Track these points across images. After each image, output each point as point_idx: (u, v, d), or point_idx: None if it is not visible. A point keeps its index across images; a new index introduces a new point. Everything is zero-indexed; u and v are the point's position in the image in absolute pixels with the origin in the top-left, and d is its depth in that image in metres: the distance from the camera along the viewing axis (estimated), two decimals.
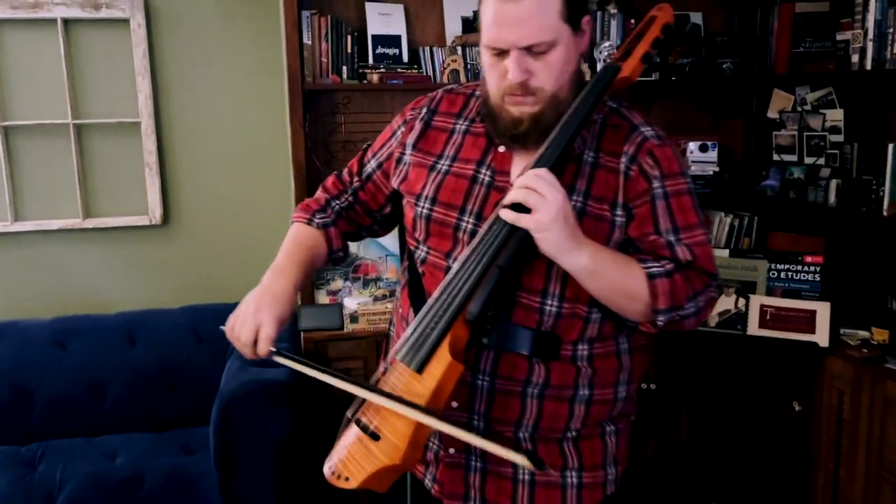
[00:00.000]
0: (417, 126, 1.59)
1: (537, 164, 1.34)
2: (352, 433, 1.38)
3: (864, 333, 2.86)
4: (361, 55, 3.13)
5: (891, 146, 2.67)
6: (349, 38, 3.06)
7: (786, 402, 2.96)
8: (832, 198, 2.97)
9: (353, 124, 3.22)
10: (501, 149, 1.48)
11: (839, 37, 2.92)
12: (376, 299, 3.06)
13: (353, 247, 3.03)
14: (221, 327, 1.45)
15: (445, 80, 3.13)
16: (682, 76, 3.29)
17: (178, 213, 3.32)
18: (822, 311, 2.91)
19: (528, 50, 1.34)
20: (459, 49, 3.13)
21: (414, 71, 3.13)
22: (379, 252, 3.12)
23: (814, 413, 2.90)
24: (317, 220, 1.60)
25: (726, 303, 3.02)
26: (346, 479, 1.32)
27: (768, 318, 2.97)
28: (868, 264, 2.99)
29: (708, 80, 3.35)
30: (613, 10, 3.24)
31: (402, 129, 1.62)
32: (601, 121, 1.47)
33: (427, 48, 3.16)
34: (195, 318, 3.11)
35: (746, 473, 3.09)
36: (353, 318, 2.95)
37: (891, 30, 2.66)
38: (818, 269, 2.97)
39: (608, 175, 1.42)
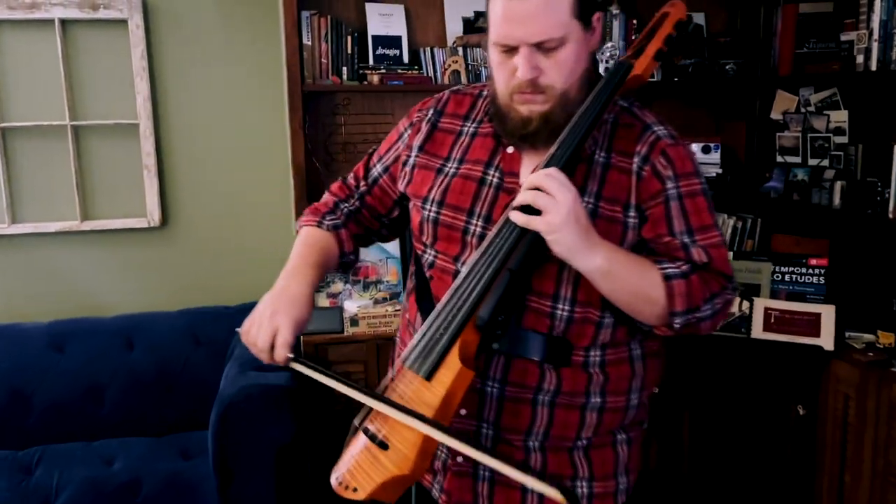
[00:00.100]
0: (424, 128, 1.56)
1: (548, 165, 1.31)
2: (360, 442, 1.35)
3: (869, 337, 2.84)
4: (361, 56, 3.11)
5: None
6: (349, 38, 3.04)
7: (790, 407, 2.94)
8: (836, 200, 2.95)
9: (353, 126, 3.20)
10: (510, 150, 1.46)
11: (843, 37, 2.91)
12: (377, 302, 3.04)
13: None
14: (237, 329, 1.41)
15: (446, 80, 3.11)
16: (684, 77, 3.28)
17: (177, 216, 3.30)
18: (827, 314, 2.88)
19: (538, 47, 1.31)
20: (460, 50, 3.11)
21: (414, 72, 3.11)
22: (379, 255, 3.10)
23: (819, 417, 2.88)
24: (327, 223, 1.57)
25: None
26: (355, 489, 1.29)
27: (773, 321, 2.95)
28: (873, 267, 2.97)
29: (711, 81, 3.33)
30: (616, 11, 3.22)
31: (409, 131, 1.59)
32: (612, 120, 1.44)
33: (428, 49, 3.14)
34: (193, 321, 3.08)
35: (751, 478, 3.06)
36: (354, 321, 2.92)
37: None
38: (823, 271, 2.95)
39: (620, 176, 1.39)
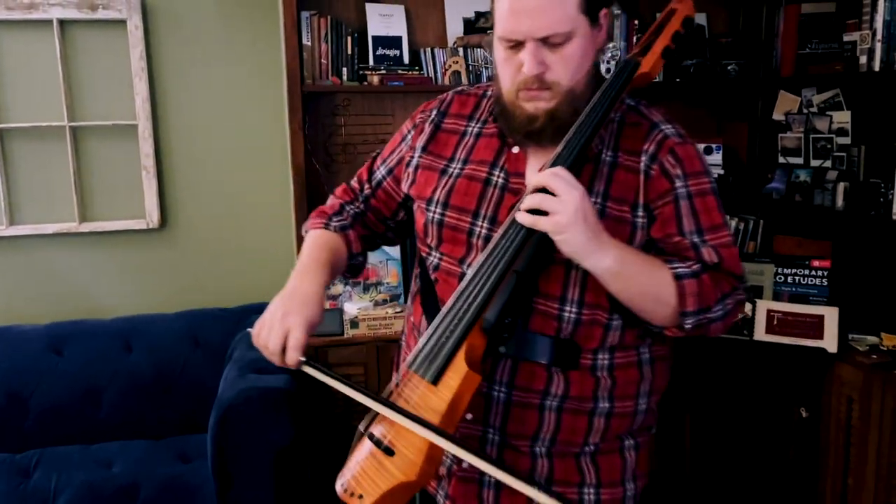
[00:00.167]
0: (427, 129, 1.54)
1: (554, 165, 1.29)
2: (365, 448, 1.32)
3: (873, 339, 2.82)
4: (362, 56, 3.09)
5: None
6: (349, 39, 3.02)
7: (793, 409, 2.92)
8: (839, 201, 2.93)
9: (353, 126, 3.19)
10: (515, 150, 1.44)
11: (846, 38, 2.89)
12: (377, 304, 3.03)
13: None
14: (248, 329, 1.39)
15: (447, 81, 3.09)
16: (686, 78, 3.26)
17: (176, 217, 3.28)
18: (830, 315, 2.87)
19: (545, 41, 1.30)
20: (461, 50, 3.09)
21: (415, 72, 3.09)
22: (380, 256, 3.08)
23: (822, 420, 2.87)
24: (334, 224, 1.55)
25: None
26: (360, 496, 1.26)
27: (775, 323, 2.93)
28: (876, 268, 2.96)
29: (713, 81, 3.32)
30: (617, 11, 3.21)
31: (412, 132, 1.57)
32: (619, 118, 1.42)
33: (428, 49, 3.12)
34: (192, 323, 3.06)
35: (753, 481, 3.05)
36: (354, 323, 2.90)
37: None
38: (826, 273, 2.94)
39: (628, 175, 1.37)
